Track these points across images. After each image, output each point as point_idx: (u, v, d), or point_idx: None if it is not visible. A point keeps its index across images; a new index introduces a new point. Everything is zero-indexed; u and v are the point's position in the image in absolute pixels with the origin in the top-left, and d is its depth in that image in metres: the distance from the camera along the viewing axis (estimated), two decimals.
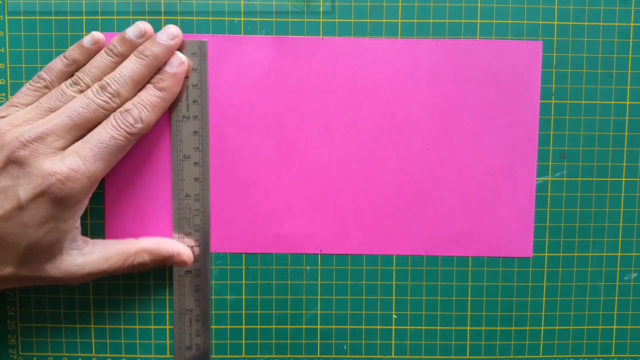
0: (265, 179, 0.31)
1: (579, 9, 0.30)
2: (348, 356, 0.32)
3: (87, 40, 0.28)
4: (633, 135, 0.31)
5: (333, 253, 0.31)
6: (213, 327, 0.31)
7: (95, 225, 0.31)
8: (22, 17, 0.30)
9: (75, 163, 0.26)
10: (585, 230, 0.31)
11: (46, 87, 0.28)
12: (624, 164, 0.31)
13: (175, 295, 0.31)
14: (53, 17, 0.30)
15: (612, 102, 0.31)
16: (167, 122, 0.30)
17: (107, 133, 0.27)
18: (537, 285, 0.32)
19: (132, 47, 0.28)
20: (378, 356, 0.32)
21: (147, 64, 0.28)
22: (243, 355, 0.32)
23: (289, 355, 0.32)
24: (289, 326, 0.32)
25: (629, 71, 0.31)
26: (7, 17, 0.30)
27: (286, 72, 0.30)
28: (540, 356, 0.32)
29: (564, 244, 0.31)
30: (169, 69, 0.28)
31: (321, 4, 0.27)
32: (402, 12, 0.30)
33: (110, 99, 0.27)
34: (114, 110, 0.27)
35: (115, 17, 0.30)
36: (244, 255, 0.31)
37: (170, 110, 0.30)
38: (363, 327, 0.32)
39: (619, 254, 0.32)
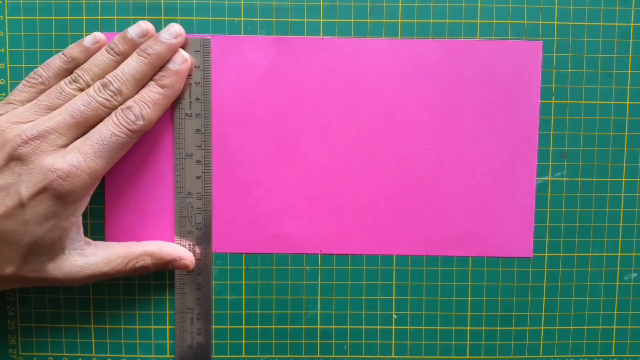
0: (265, 179, 0.31)
1: (579, 9, 0.30)
2: (348, 356, 0.32)
3: (88, 39, 0.28)
4: (633, 135, 0.31)
5: (333, 253, 0.31)
6: (213, 327, 0.31)
7: (96, 225, 0.31)
8: (22, 17, 0.30)
9: (76, 159, 0.26)
10: (585, 230, 0.31)
11: (42, 83, 0.28)
12: (624, 164, 0.31)
13: (177, 294, 0.31)
14: (53, 17, 0.30)
15: (612, 102, 0.31)
16: (169, 121, 0.30)
17: (109, 130, 0.27)
18: (537, 285, 0.32)
19: (133, 46, 0.28)
20: (378, 356, 0.32)
21: (150, 62, 0.28)
22: (243, 355, 0.32)
23: (289, 355, 0.32)
24: (289, 326, 0.32)
25: (629, 71, 0.31)
26: (7, 17, 0.30)
27: (286, 72, 0.30)
28: (540, 356, 0.32)
29: (564, 244, 0.31)
30: (171, 66, 0.28)
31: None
32: (402, 12, 0.30)
33: (111, 96, 0.27)
34: (116, 108, 0.27)
35: (115, 17, 0.30)
36: (244, 255, 0.31)
37: (172, 108, 0.30)
38: (363, 327, 0.32)
39: (619, 254, 0.32)
